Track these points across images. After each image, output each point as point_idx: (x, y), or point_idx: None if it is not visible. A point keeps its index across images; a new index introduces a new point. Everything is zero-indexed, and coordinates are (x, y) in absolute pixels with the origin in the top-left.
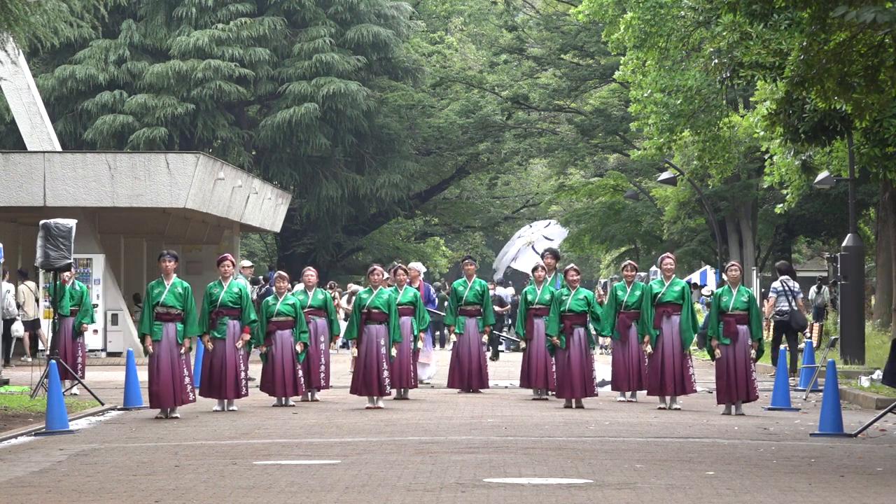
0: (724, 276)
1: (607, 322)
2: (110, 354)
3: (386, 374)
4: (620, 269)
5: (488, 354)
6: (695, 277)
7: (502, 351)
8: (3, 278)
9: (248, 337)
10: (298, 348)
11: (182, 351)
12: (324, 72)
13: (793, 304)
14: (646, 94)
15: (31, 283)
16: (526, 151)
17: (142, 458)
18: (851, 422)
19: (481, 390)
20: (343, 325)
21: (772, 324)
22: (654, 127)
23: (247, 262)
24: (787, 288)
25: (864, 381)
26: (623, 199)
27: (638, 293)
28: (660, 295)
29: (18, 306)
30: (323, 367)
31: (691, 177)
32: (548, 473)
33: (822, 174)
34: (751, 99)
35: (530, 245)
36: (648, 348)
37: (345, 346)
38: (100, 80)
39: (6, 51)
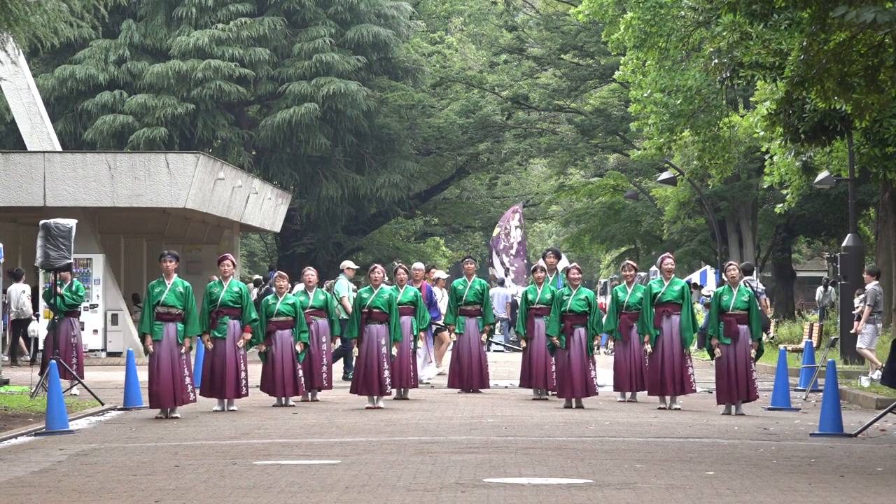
0: (724, 276)
1: (610, 321)
2: (110, 354)
3: (387, 373)
4: (620, 269)
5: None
6: (695, 277)
7: (500, 351)
8: (20, 280)
9: (249, 336)
10: (298, 348)
11: (182, 351)
12: (324, 72)
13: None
14: (646, 94)
15: (25, 285)
16: (526, 151)
17: (142, 458)
18: (851, 422)
19: (482, 390)
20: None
21: None
22: (654, 127)
23: (350, 263)
24: (749, 288)
25: (864, 381)
26: (623, 199)
27: (639, 294)
28: (659, 295)
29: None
30: (325, 368)
31: (691, 177)
32: (548, 473)
33: (822, 174)
34: (751, 99)
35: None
36: (648, 347)
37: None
38: (100, 80)
39: (6, 51)
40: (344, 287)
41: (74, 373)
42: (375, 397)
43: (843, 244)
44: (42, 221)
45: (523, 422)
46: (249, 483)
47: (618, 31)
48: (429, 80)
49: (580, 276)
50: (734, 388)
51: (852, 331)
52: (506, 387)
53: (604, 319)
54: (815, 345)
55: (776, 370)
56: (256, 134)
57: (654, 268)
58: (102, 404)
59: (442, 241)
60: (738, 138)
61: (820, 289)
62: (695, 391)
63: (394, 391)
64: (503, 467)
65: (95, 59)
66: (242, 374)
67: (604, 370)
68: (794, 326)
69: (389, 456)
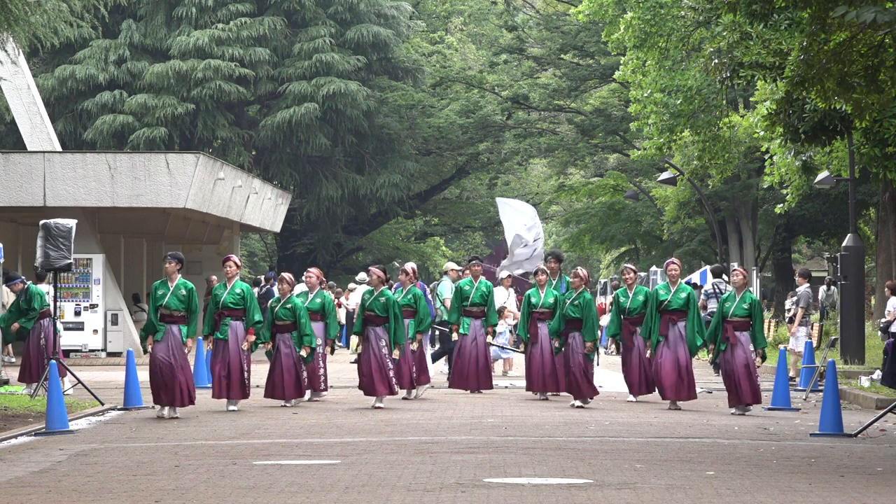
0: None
1: (611, 327)
2: (110, 354)
3: (391, 373)
4: (620, 272)
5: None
6: (695, 277)
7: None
8: (43, 280)
9: (252, 338)
10: (304, 353)
11: (186, 351)
12: (324, 72)
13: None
14: (646, 94)
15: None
16: (526, 151)
17: (142, 458)
18: (851, 422)
19: (483, 391)
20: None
21: None
22: (654, 127)
23: (453, 265)
24: (717, 290)
25: (864, 381)
26: (623, 199)
27: (641, 298)
28: (666, 302)
29: (2, 306)
30: (322, 372)
31: (691, 177)
32: (548, 473)
33: (822, 174)
34: (751, 99)
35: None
36: (649, 353)
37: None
38: (100, 80)
39: (6, 51)
40: (448, 289)
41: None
42: (379, 397)
43: (843, 244)
44: (42, 221)
45: (523, 422)
46: (249, 483)
47: (618, 31)
48: (429, 80)
49: (580, 279)
50: (739, 393)
51: (789, 333)
52: (506, 387)
53: (602, 320)
54: (815, 345)
55: (776, 370)
56: (256, 134)
57: (654, 268)
58: (102, 404)
59: (442, 241)
60: (738, 138)
61: (822, 288)
62: (695, 397)
63: (402, 391)
64: (503, 467)
65: (95, 59)
66: (245, 376)
67: (601, 372)
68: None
69: (389, 456)
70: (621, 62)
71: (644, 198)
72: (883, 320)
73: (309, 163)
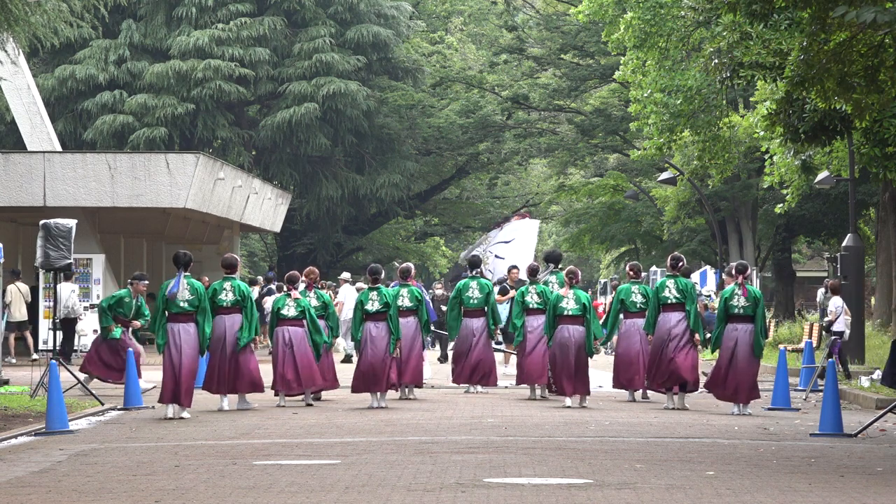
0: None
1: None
2: None
3: (391, 371)
4: (624, 269)
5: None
6: (695, 277)
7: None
8: (69, 279)
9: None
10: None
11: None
12: (324, 72)
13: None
14: (646, 94)
15: (22, 285)
16: (526, 151)
17: (142, 458)
18: (851, 422)
19: (486, 389)
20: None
21: None
22: (654, 127)
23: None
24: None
25: (864, 381)
26: (623, 199)
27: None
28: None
29: (6, 306)
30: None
31: (691, 177)
32: (548, 473)
33: (822, 174)
34: (751, 99)
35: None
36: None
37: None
38: (100, 80)
39: (6, 51)
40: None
41: (73, 373)
42: (379, 395)
43: (843, 244)
44: (42, 221)
45: (523, 422)
46: (249, 483)
47: (618, 31)
48: (429, 80)
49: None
50: (737, 390)
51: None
52: (506, 387)
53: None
54: (815, 345)
55: (776, 370)
56: (256, 134)
57: (654, 268)
58: (102, 404)
59: (442, 241)
60: (738, 138)
61: (821, 290)
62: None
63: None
64: (503, 467)
65: (95, 59)
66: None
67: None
68: (794, 326)
69: (389, 456)
70: (621, 62)
71: (644, 198)
72: (826, 319)
73: (309, 163)
